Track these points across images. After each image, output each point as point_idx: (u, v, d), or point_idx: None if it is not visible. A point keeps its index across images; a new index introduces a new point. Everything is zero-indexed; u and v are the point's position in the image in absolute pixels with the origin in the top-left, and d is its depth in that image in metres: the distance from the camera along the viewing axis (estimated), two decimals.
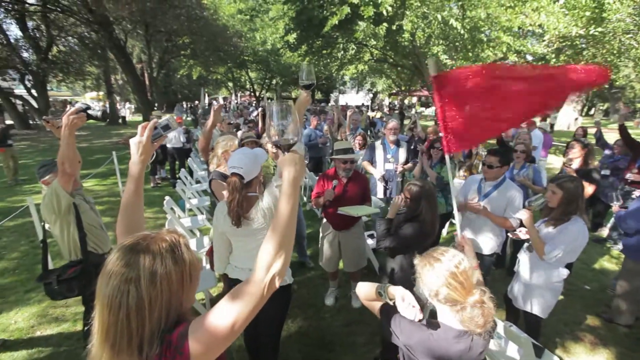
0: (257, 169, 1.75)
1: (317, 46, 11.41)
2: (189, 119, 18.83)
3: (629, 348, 2.73)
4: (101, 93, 26.60)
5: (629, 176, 4.29)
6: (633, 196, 3.97)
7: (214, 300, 3.30)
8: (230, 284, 2.09)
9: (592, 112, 35.07)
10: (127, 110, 25.75)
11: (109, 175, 7.67)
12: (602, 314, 3.10)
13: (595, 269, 4.03)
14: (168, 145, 7.30)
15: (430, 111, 25.12)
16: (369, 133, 10.99)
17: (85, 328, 2.39)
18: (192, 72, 23.01)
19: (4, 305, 3.16)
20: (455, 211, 2.12)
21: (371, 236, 3.45)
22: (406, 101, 26.60)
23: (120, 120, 20.56)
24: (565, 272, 2.26)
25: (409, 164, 4.12)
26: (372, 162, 4.11)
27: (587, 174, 3.59)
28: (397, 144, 4.07)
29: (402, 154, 4.04)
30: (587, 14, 7.41)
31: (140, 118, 20.56)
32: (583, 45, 9.09)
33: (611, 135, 6.10)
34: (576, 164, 3.79)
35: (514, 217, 2.51)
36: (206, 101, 23.29)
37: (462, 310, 1.09)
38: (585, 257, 4.18)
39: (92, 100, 30.41)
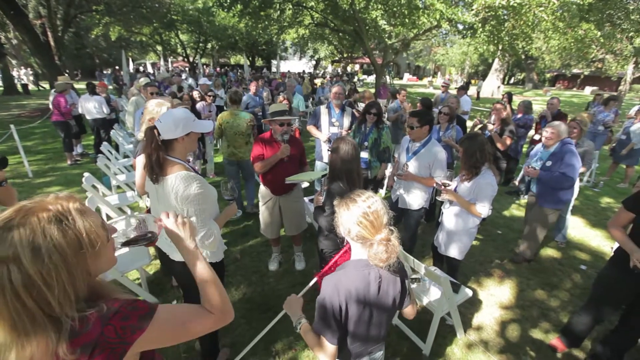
0: (177, 131, 1.57)
1: (253, 6, 10.59)
2: (111, 87, 16.57)
3: (526, 277, 3.28)
4: None
5: (537, 135, 4.92)
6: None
7: (151, 279, 3.11)
8: (161, 255, 1.96)
9: (512, 80, 39.22)
10: (27, 77, 21.66)
11: (10, 154, 6.50)
12: (509, 253, 3.64)
13: (506, 216, 4.67)
14: (88, 117, 6.37)
15: (371, 79, 25.59)
16: (311, 100, 10.89)
17: None
18: (110, 32, 19.74)
19: None
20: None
21: (311, 200, 3.50)
22: (349, 68, 26.63)
23: (21, 89, 17.31)
24: (478, 219, 2.57)
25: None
26: (317, 126, 4.10)
27: (502, 130, 4.23)
28: (342, 108, 4.07)
29: (347, 119, 4.06)
30: None
31: (47, 86, 17.49)
32: (505, 17, 9.82)
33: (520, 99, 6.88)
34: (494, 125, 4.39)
35: (437, 178, 2.74)
36: (131, 67, 20.48)
37: (370, 247, 1.20)
38: (498, 207, 4.82)
39: None
